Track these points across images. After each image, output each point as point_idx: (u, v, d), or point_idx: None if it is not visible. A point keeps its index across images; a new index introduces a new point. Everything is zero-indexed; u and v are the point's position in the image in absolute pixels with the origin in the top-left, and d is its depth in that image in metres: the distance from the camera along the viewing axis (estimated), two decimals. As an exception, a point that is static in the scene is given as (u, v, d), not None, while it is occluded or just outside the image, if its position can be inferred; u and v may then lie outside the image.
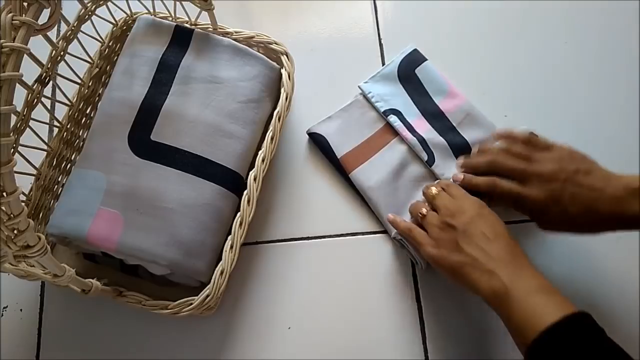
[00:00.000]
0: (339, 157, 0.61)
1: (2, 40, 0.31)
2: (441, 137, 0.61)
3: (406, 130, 0.61)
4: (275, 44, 0.60)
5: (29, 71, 0.48)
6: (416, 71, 0.65)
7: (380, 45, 0.68)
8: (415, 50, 0.66)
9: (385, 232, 0.59)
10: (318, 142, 0.62)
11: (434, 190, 0.52)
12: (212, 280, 0.50)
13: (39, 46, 0.48)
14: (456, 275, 0.46)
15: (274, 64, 0.60)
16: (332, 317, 0.56)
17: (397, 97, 0.64)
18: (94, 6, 0.57)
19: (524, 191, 0.48)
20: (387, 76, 0.65)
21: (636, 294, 0.55)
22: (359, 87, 0.64)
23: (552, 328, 0.39)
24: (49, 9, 0.35)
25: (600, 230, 0.46)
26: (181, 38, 0.58)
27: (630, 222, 0.44)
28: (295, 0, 0.72)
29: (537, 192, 0.47)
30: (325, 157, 0.62)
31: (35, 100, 0.52)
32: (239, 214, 0.52)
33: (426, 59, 0.65)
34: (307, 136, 0.63)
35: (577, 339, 0.39)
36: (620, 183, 0.45)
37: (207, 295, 0.49)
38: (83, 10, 0.56)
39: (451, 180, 0.54)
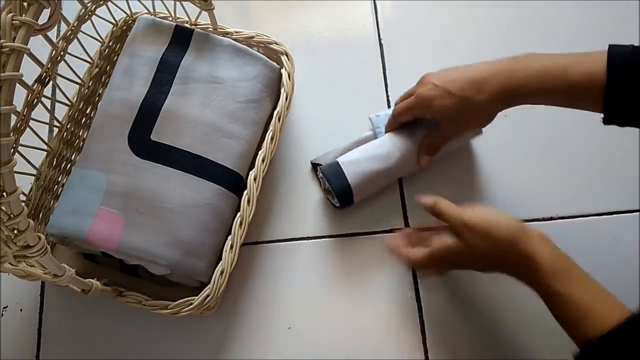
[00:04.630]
0: None
1: (2, 40, 0.31)
2: None
3: None
4: (275, 44, 0.60)
5: (29, 71, 0.48)
6: None
7: (380, 45, 0.68)
8: None
9: (385, 232, 0.59)
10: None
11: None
12: (212, 280, 0.50)
13: (39, 46, 0.48)
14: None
15: (274, 64, 0.60)
16: (332, 317, 0.56)
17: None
18: (94, 6, 0.58)
19: (443, 132, 0.53)
20: None
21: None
22: (369, 118, 0.62)
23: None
24: (49, 9, 0.36)
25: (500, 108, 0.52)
26: (181, 38, 0.58)
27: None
28: (295, 0, 0.72)
29: (442, 101, 0.51)
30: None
31: (35, 100, 0.52)
32: (239, 214, 0.52)
33: None
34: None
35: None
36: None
37: (207, 295, 0.49)
38: (83, 10, 0.56)
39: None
